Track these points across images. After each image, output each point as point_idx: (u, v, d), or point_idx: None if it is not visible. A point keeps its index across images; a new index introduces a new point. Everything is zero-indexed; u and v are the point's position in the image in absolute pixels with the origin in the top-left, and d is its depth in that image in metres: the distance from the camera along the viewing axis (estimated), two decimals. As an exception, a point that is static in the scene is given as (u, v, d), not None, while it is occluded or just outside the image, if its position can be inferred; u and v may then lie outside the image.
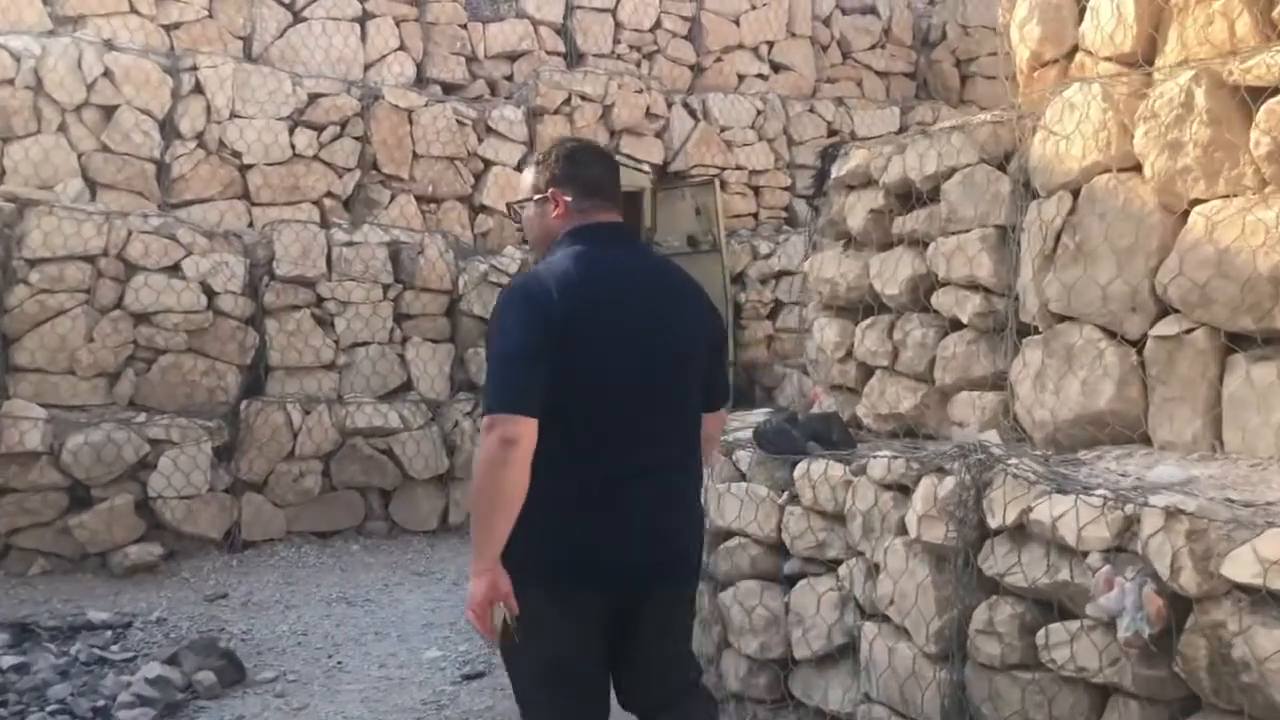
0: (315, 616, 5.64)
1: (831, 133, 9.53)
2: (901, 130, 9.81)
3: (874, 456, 3.54)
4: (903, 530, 3.36)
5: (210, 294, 6.60)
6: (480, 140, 8.12)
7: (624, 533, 2.47)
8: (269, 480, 6.61)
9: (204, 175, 7.26)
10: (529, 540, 2.42)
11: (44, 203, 6.32)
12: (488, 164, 8.15)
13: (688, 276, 2.81)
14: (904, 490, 3.41)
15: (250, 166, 7.40)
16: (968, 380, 3.83)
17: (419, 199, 7.87)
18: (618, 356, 2.48)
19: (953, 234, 3.86)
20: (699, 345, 2.66)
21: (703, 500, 2.86)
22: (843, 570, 3.62)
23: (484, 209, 8.09)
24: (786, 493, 3.86)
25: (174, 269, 6.53)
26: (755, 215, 9.19)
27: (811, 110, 9.48)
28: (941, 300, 3.91)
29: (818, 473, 3.70)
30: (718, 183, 8.23)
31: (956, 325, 3.88)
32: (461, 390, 7.28)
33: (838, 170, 4.52)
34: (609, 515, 2.46)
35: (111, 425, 6.10)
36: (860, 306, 4.33)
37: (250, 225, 7.36)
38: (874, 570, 3.47)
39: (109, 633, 5.21)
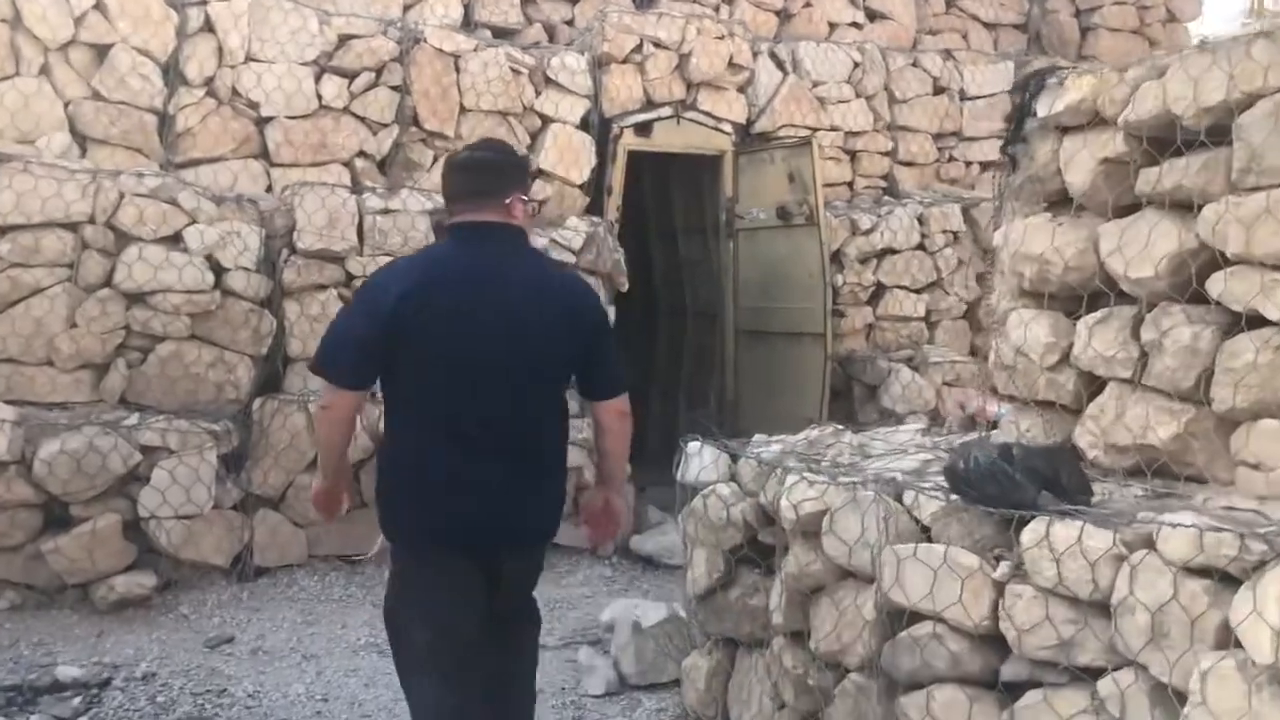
0: (339, 672, 4.54)
1: (938, 89, 8.26)
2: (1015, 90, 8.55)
3: (1167, 524, 2.35)
4: (1230, 643, 2.18)
5: (218, 270, 5.48)
6: (538, 93, 6.94)
7: (466, 505, 2.78)
8: (287, 495, 5.51)
9: (214, 129, 6.14)
10: (393, 508, 2.89)
11: (17, 158, 5.22)
12: (546, 120, 6.97)
13: (556, 272, 3.17)
14: (1228, 579, 2.23)
15: (269, 120, 6.27)
16: (1277, 403, 2.62)
17: (466, 161, 6.69)
18: (448, 341, 2.77)
19: (1252, 190, 2.66)
20: (551, 336, 2.86)
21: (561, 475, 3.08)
22: (1105, 686, 2.44)
23: (541, 173, 6.91)
24: (1007, 563, 2.68)
25: (174, 240, 5.42)
26: (850, 185, 7.96)
27: (915, 64, 8.21)
28: (1231, 287, 2.70)
29: (1064, 540, 2.52)
30: (815, 144, 7.00)
31: (1256, 322, 2.67)
32: (516, 387, 6.13)
33: (1047, 106, 3.31)
34: (453, 488, 2.78)
35: (95, 429, 5.00)
36: (1084, 294, 3.13)
37: (268, 189, 6.24)
38: (1170, 696, 2.29)
39: (78, 699, 4.12)
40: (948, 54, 8.38)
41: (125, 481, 5.07)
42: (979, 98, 8.37)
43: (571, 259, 6.21)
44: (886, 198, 7.90)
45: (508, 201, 2.89)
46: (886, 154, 8.07)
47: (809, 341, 7.00)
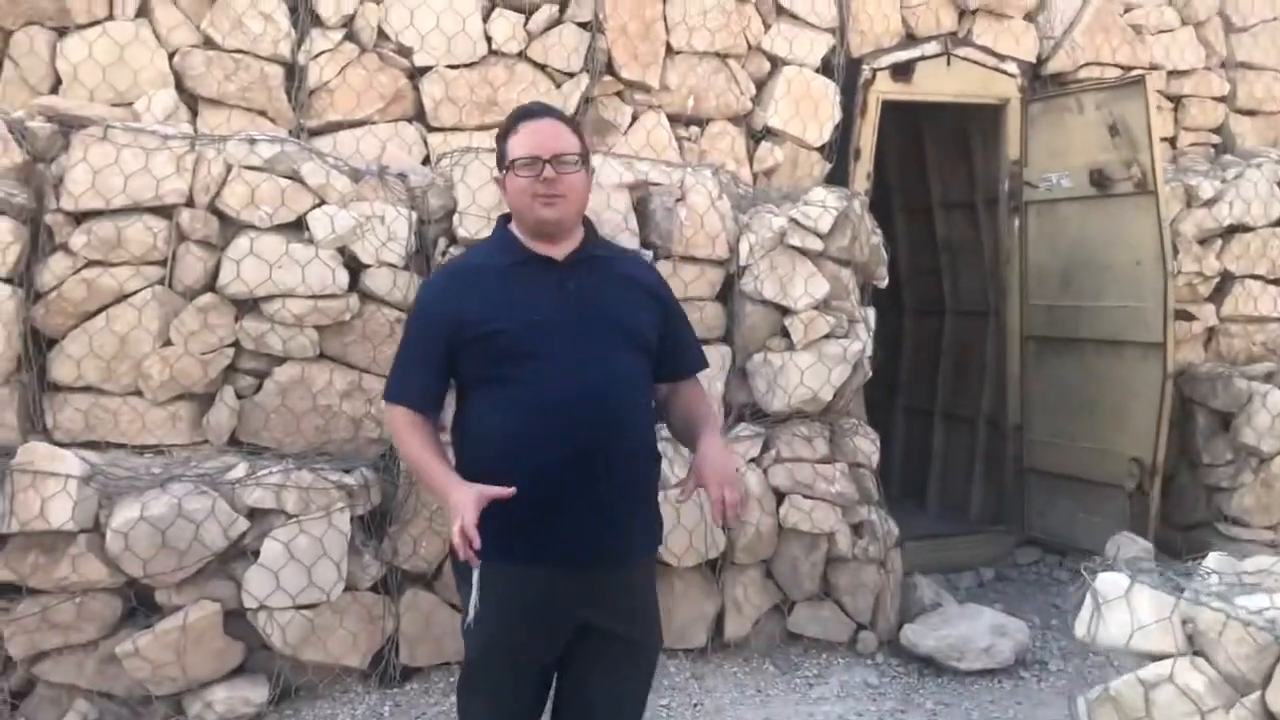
0: None
1: (1289, 12, 6.22)
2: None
3: None
4: None
5: (354, 267, 4.10)
6: (766, 26, 5.31)
7: None
8: (444, 568, 4.09)
9: (355, 84, 4.75)
10: None
11: (94, 121, 3.94)
12: (776, 63, 5.34)
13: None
14: None
15: (424, 70, 4.85)
16: None
17: (673, 119, 5.15)
18: None
19: None
20: None
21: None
22: None
23: (770, 133, 5.30)
24: None
25: (297, 227, 4.06)
26: (1173, 141, 6.03)
27: (1259, -22, 6.20)
28: None
29: None
30: (1148, 83, 5.12)
31: None
32: (744, 420, 4.55)
33: None
34: None
35: (186, 487, 3.68)
36: None
37: (426, 160, 4.83)
38: None
39: None
40: (1303, -35, 6.30)
41: (227, 558, 3.74)
42: (1348, 22, 6.27)
43: (818, 245, 4.57)
44: (1226, 157, 5.93)
45: None
46: (1221, 99, 6.09)
47: (1135, 353, 5.15)
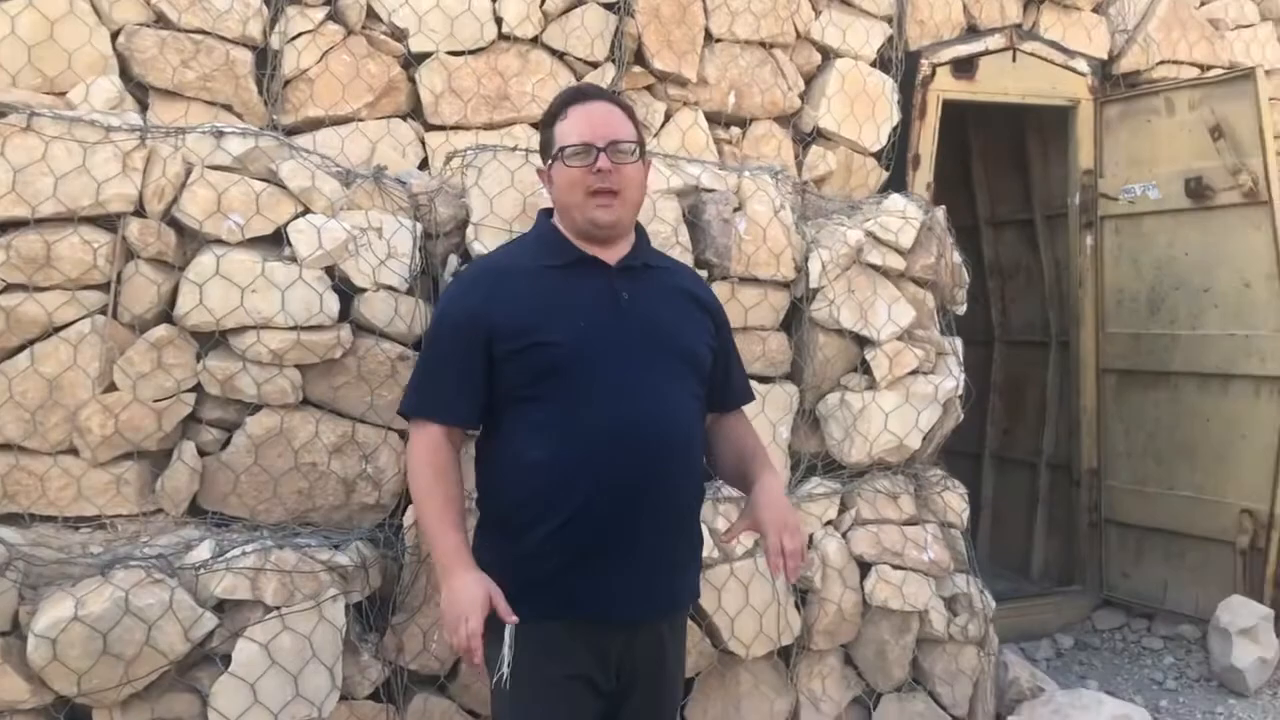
0: None
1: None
2: None
3: None
4: None
5: (347, 290, 3.28)
6: (816, 11, 4.61)
7: None
8: (461, 667, 3.27)
9: (340, 73, 3.96)
10: None
11: (16, 108, 3.10)
12: (827, 54, 4.65)
13: None
14: None
15: (424, 57, 4.07)
16: None
17: (711, 118, 4.42)
18: None
19: None
20: None
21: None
22: None
23: (820, 135, 4.59)
24: None
25: (274, 240, 3.24)
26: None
27: (1344, -30, 5.63)
28: None
29: None
30: (1259, 77, 4.49)
31: None
32: (816, 474, 3.79)
33: None
34: None
35: (133, 574, 2.84)
36: None
37: (424, 164, 4.06)
38: None
39: None
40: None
41: (187, 666, 2.90)
42: None
43: (899, 263, 3.85)
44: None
45: None
46: (1304, 103, 5.51)
47: (1246, 388, 4.49)
